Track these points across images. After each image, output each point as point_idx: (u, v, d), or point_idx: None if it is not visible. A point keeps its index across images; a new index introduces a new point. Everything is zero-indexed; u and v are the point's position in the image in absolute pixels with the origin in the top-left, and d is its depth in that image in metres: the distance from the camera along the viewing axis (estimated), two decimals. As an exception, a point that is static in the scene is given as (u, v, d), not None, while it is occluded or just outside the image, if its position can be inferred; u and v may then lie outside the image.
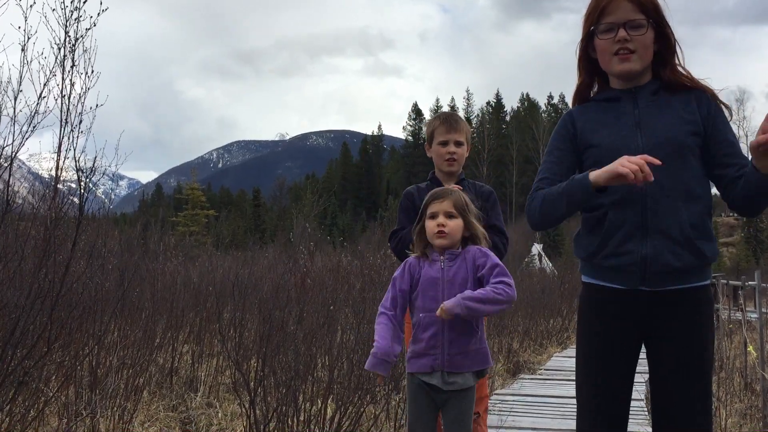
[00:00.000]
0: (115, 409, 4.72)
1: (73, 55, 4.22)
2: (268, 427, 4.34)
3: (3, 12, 3.99)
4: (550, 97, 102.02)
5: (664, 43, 2.34)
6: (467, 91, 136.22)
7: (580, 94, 2.48)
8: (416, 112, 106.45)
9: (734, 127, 2.42)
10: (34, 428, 4.16)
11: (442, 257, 2.74)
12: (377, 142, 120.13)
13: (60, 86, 4.21)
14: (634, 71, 2.32)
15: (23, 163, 6.39)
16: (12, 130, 3.96)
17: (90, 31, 4.26)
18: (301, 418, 4.52)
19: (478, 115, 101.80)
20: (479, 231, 2.78)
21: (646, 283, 2.25)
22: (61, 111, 4.23)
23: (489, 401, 5.01)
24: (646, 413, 5.65)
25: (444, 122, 3.53)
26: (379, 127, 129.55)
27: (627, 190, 2.24)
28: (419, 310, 2.74)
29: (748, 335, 8.23)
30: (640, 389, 2.71)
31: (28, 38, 3.98)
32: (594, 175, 2.18)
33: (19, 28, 3.92)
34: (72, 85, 4.23)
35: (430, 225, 2.75)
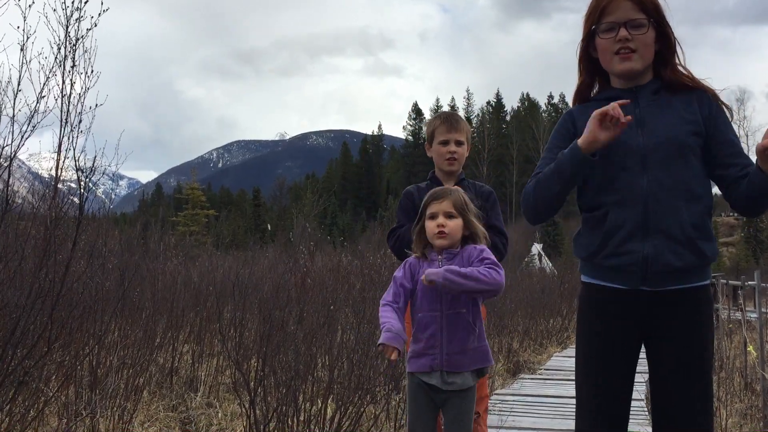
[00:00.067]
0: (115, 409, 4.72)
1: (74, 55, 4.22)
2: (268, 427, 4.34)
3: (3, 12, 3.99)
4: (551, 96, 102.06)
5: (665, 42, 2.34)
6: (467, 90, 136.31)
7: (581, 93, 2.49)
8: (416, 111, 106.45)
9: (735, 127, 2.42)
10: (34, 428, 4.16)
11: (440, 257, 2.75)
12: (377, 141, 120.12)
13: (60, 86, 4.21)
14: (635, 70, 2.32)
15: (23, 162, 6.39)
16: (11, 129, 3.95)
17: (91, 31, 4.26)
18: (301, 418, 4.52)
19: (478, 114, 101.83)
20: (479, 230, 2.78)
21: (647, 282, 2.25)
22: (61, 111, 4.23)
23: (489, 401, 5.01)
24: (647, 413, 5.65)
25: (445, 122, 3.53)
26: (379, 127, 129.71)
27: (628, 190, 2.24)
28: (418, 310, 2.75)
29: (747, 335, 8.23)
30: (640, 389, 2.71)
31: (27, 38, 3.97)
32: (580, 140, 2.21)
33: (18, 27, 3.92)
34: (72, 85, 4.23)
35: (430, 225, 2.75)
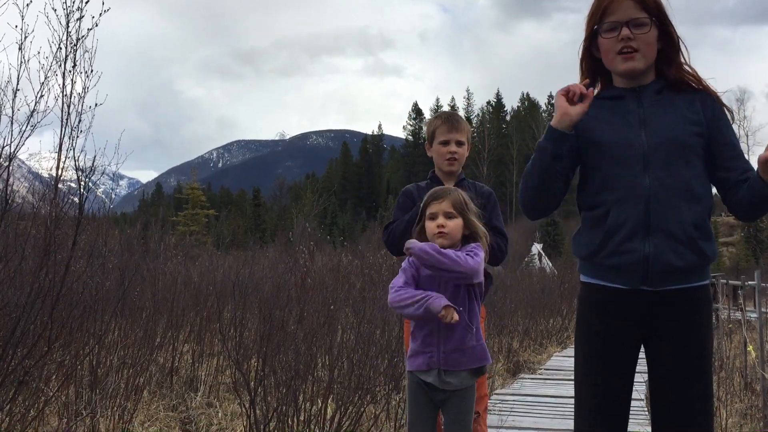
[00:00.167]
0: (115, 408, 4.72)
1: (75, 54, 4.22)
2: (268, 427, 4.34)
3: (3, 12, 3.99)
4: (551, 96, 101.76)
5: (668, 41, 2.34)
6: (467, 90, 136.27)
7: None
8: (416, 111, 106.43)
9: (735, 127, 2.43)
10: (34, 428, 4.16)
11: None
12: (377, 141, 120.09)
13: (61, 86, 4.21)
14: (638, 70, 2.32)
15: (23, 162, 6.39)
16: (11, 129, 3.95)
17: (91, 30, 4.25)
18: (302, 418, 4.52)
19: (478, 114, 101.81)
20: (479, 229, 2.78)
21: (648, 282, 2.25)
22: (62, 111, 4.23)
23: (489, 401, 5.01)
24: (647, 413, 5.65)
25: (445, 122, 3.52)
26: (379, 127, 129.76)
27: (629, 188, 2.24)
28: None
29: (747, 335, 8.23)
30: (640, 389, 2.71)
31: (25, 37, 3.97)
32: (553, 120, 2.27)
33: (16, 27, 3.91)
34: (73, 84, 4.23)
35: (430, 226, 2.75)
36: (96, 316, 5.05)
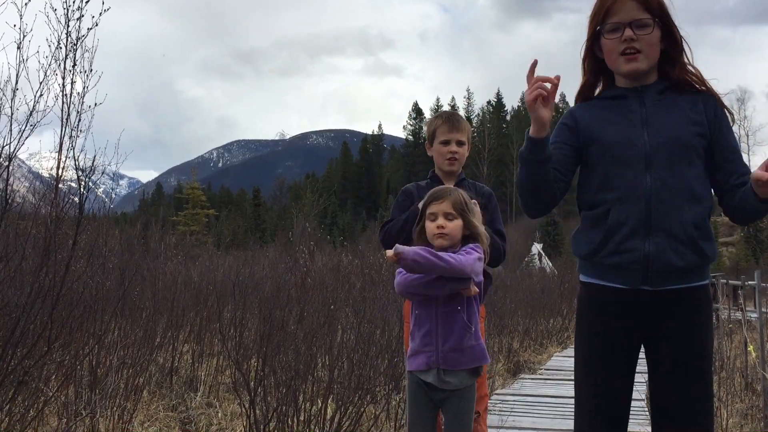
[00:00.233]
0: (115, 408, 4.72)
1: (74, 54, 4.22)
2: (268, 427, 4.34)
3: (2, 11, 3.99)
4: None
5: (671, 41, 2.34)
6: (468, 90, 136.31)
7: (583, 93, 2.49)
8: (416, 111, 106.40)
9: (735, 127, 2.43)
10: (33, 428, 4.16)
11: None
12: (377, 141, 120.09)
13: (61, 85, 4.21)
14: (640, 71, 2.32)
15: (23, 162, 6.39)
16: (10, 129, 3.95)
17: (91, 30, 4.25)
18: (302, 418, 4.52)
19: (478, 114, 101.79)
20: (479, 230, 2.78)
21: (648, 282, 2.25)
22: (62, 110, 4.23)
23: (489, 401, 5.00)
24: (647, 413, 5.64)
25: (446, 121, 3.52)
26: (380, 127, 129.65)
27: (631, 187, 2.24)
28: (416, 307, 2.75)
29: (748, 335, 8.23)
30: (640, 389, 2.71)
31: (24, 36, 3.96)
32: (530, 129, 2.24)
33: (15, 26, 3.91)
34: (73, 84, 4.23)
35: (430, 227, 2.75)
36: (96, 316, 5.05)
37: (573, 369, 2.44)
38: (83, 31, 4.23)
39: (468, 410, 2.73)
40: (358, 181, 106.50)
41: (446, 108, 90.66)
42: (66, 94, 4.23)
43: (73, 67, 4.23)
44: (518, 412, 5.98)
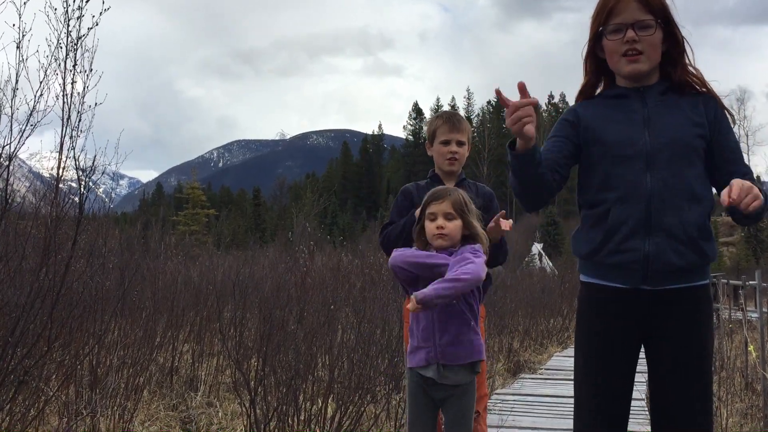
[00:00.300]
0: (116, 408, 4.72)
1: (75, 54, 4.22)
2: (268, 427, 4.34)
3: (2, 10, 3.99)
4: (551, 96, 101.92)
5: (673, 42, 2.34)
6: (468, 90, 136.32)
7: (584, 93, 2.48)
8: (417, 111, 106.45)
9: (735, 128, 2.43)
10: (34, 427, 4.16)
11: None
12: (377, 141, 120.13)
13: (61, 85, 4.21)
14: (642, 72, 2.32)
15: (23, 162, 6.39)
16: (11, 128, 3.95)
17: (92, 30, 4.25)
18: (302, 418, 4.52)
19: (478, 114, 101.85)
20: (479, 230, 2.78)
21: (648, 281, 2.25)
22: (62, 110, 4.23)
23: (489, 401, 5.00)
24: (647, 413, 5.64)
25: (447, 122, 3.53)
26: (380, 127, 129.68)
27: (631, 187, 2.24)
28: None
29: (748, 335, 8.22)
30: (640, 388, 2.72)
31: (23, 36, 3.96)
32: (518, 145, 2.19)
33: (14, 25, 3.91)
34: (73, 84, 4.23)
35: (430, 227, 2.75)
36: (96, 316, 5.05)
37: (573, 369, 2.44)
38: (83, 31, 4.24)
39: (468, 410, 2.73)
40: (358, 181, 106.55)
41: (446, 108, 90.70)
42: (66, 94, 4.23)
43: (74, 66, 4.23)
44: (518, 412, 5.99)
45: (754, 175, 2.29)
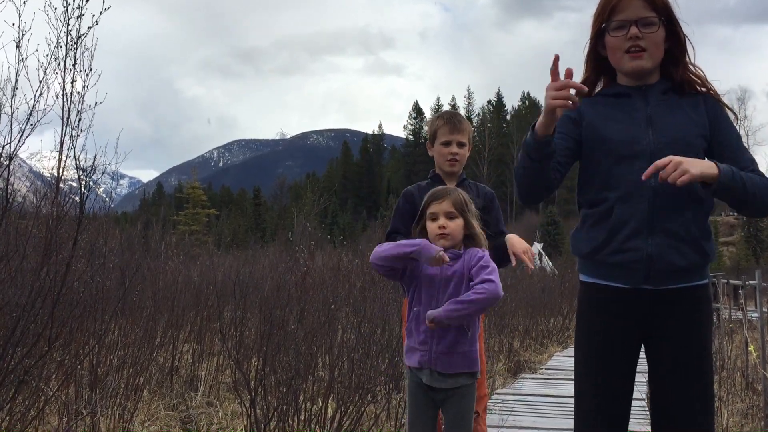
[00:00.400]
0: (116, 408, 4.72)
1: (75, 53, 4.22)
2: (268, 427, 4.34)
3: (1, 9, 3.98)
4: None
5: (675, 41, 2.34)
6: (468, 89, 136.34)
7: None
8: (417, 111, 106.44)
9: (735, 125, 2.43)
10: (34, 427, 4.16)
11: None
12: (378, 141, 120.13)
13: (61, 84, 4.21)
14: (645, 69, 2.32)
15: (24, 161, 6.39)
16: (11, 128, 3.95)
17: (92, 29, 4.25)
18: (302, 418, 4.52)
19: (479, 114, 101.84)
20: (478, 231, 2.78)
21: (650, 281, 2.25)
22: (62, 109, 4.23)
23: (489, 401, 5.00)
24: (647, 412, 5.64)
25: (447, 122, 3.53)
26: (380, 126, 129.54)
27: (634, 186, 2.24)
28: (415, 304, 2.75)
29: (749, 335, 8.22)
30: (641, 388, 2.71)
31: (23, 35, 3.96)
32: (537, 122, 2.19)
33: (13, 24, 3.91)
34: (73, 83, 4.23)
35: (432, 227, 2.75)
36: (96, 316, 5.05)
37: (573, 369, 2.43)
38: (83, 30, 4.24)
39: (468, 410, 2.73)
40: (358, 181, 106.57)
41: (447, 108, 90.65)
42: (66, 93, 4.23)
43: (74, 66, 4.23)
44: (518, 412, 5.98)
45: (758, 166, 2.28)
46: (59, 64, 4.19)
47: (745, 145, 2.36)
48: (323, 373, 5.23)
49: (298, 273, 9.35)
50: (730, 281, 16.56)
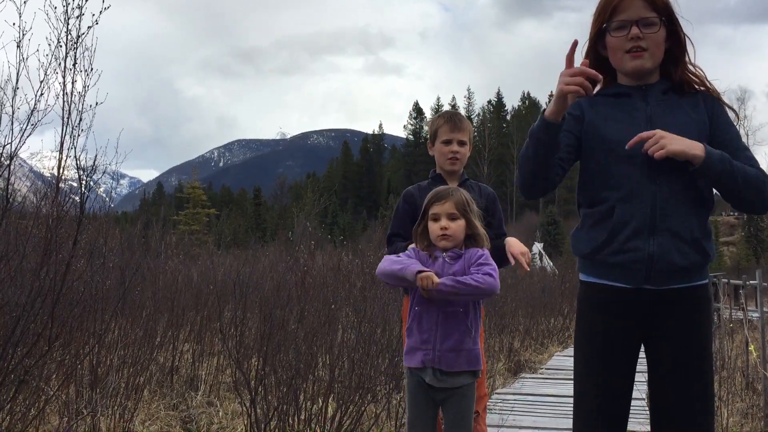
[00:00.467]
0: (116, 407, 4.72)
1: (75, 52, 4.22)
2: (268, 426, 4.34)
3: (1, 9, 3.98)
4: (551, 95, 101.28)
5: (675, 41, 2.34)
6: (468, 89, 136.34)
7: None
8: (417, 110, 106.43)
9: (736, 125, 2.43)
10: (34, 427, 4.16)
11: (444, 254, 2.76)
12: (378, 140, 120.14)
13: (61, 84, 4.20)
14: (645, 68, 2.32)
15: (24, 161, 6.39)
16: (11, 128, 3.95)
17: (91, 29, 4.25)
18: (302, 417, 4.52)
19: (479, 114, 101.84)
20: (480, 231, 2.78)
21: (651, 281, 2.24)
22: (63, 109, 4.23)
23: (489, 400, 5.00)
24: (647, 413, 5.63)
25: (448, 121, 3.53)
26: (380, 126, 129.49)
27: (635, 186, 2.24)
28: (417, 304, 2.75)
29: (749, 334, 8.22)
30: (641, 388, 2.71)
31: (23, 35, 3.96)
32: (547, 110, 2.21)
33: (14, 24, 3.91)
34: (73, 83, 4.23)
35: (434, 228, 2.75)
36: (96, 315, 5.05)
37: (573, 368, 2.43)
38: (83, 30, 4.23)
39: (468, 409, 2.73)
40: (358, 181, 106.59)
41: (447, 107, 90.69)
42: (67, 93, 4.23)
43: (74, 65, 4.23)
44: (519, 412, 5.98)
45: (758, 164, 2.28)
46: (60, 63, 4.19)
47: (745, 144, 2.37)
48: (323, 373, 5.23)
49: (299, 273, 9.35)
50: (731, 281, 16.57)
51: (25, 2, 3.93)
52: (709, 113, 2.32)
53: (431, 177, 3.58)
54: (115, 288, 5.79)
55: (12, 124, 3.95)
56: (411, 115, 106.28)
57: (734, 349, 9.42)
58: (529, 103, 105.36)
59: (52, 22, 4.14)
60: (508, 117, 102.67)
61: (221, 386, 6.20)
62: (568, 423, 5.43)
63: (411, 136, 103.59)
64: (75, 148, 4.26)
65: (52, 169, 4.95)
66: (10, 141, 3.94)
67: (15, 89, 3.99)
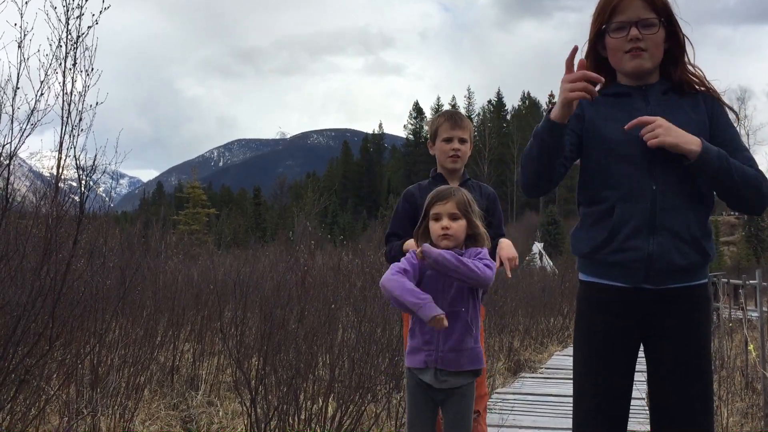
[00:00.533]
0: (116, 407, 4.72)
1: (75, 52, 4.22)
2: (269, 426, 4.34)
3: (2, 9, 3.99)
4: (551, 95, 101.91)
5: (675, 41, 2.34)
6: (468, 89, 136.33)
7: None
8: (417, 110, 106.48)
9: (736, 125, 2.43)
10: (35, 426, 4.16)
11: None
12: (378, 140, 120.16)
13: (61, 84, 4.21)
14: (645, 68, 2.32)
15: (24, 161, 6.40)
16: (11, 127, 3.95)
17: (91, 29, 4.25)
18: (302, 417, 4.52)
19: (479, 113, 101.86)
20: (481, 231, 2.78)
21: (650, 280, 2.25)
22: (62, 109, 4.23)
23: (489, 400, 5.00)
24: (647, 413, 5.63)
25: (448, 119, 3.54)
26: (380, 126, 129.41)
27: (635, 186, 2.24)
28: None
29: (749, 334, 8.22)
30: (641, 387, 2.71)
31: (24, 35, 3.96)
32: (552, 112, 2.20)
33: (15, 24, 3.91)
34: (73, 83, 4.23)
35: (435, 228, 2.75)
36: (97, 315, 5.05)
37: (573, 368, 2.43)
38: (83, 30, 4.24)
39: (468, 409, 2.73)
40: (358, 181, 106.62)
41: (447, 107, 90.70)
42: (66, 93, 4.23)
43: (74, 65, 4.23)
44: (519, 411, 5.99)
45: (757, 165, 2.29)
46: (60, 63, 4.19)
47: (745, 144, 2.37)
48: (324, 373, 5.24)
49: (299, 273, 9.35)
50: (731, 281, 16.57)
51: (26, 3, 3.93)
52: (709, 113, 2.33)
53: (432, 176, 3.58)
54: (116, 288, 5.79)
55: (12, 123, 3.95)
56: (411, 114, 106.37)
57: (734, 348, 9.42)
58: (529, 102, 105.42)
59: (52, 22, 4.15)
60: (509, 117, 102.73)
61: (221, 386, 6.21)
62: (568, 422, 5.43)
63: (411, 136, 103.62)
64: (74, 147, 4.26)
65: (52, 168, 4.96)
66: (9, 141, 3.95)
67: (15, 89, 3.99)
